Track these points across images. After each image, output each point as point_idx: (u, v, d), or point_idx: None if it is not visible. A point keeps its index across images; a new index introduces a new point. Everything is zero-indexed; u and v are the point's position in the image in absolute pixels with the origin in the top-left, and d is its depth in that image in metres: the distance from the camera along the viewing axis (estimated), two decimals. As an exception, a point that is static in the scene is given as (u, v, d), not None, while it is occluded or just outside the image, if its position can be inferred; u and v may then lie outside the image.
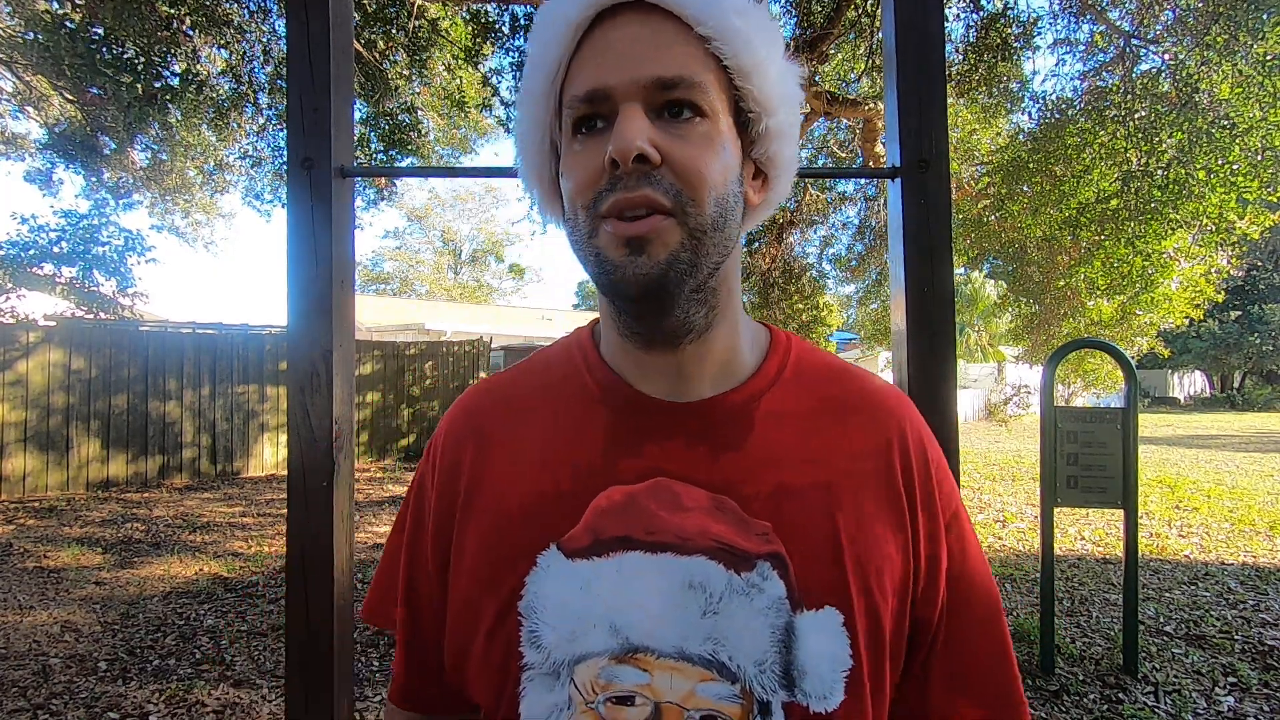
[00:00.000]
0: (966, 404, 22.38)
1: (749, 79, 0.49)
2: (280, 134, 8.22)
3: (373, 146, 7.82)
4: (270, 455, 9.01)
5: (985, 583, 0.57)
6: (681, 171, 0.46)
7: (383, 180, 8.83)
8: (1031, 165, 7.06)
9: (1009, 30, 6.54)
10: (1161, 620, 3.73)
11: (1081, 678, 3.03)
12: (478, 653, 0.52)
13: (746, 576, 0.48)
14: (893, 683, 0.52)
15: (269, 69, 7.30)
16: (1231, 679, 3.02)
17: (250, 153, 9.13)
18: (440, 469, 0.58)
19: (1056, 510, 3.27)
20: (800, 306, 11.69)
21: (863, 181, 10.49)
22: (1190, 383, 35.52)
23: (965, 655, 0.54)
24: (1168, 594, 4.17)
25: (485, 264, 41.80)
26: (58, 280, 9.97)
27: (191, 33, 6.42)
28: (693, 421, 0.53)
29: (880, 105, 7.45)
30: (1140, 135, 6.21)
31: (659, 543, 0.49)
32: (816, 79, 7.09)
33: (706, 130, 0.47)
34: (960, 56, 6.89)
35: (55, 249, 9.85)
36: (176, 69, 6.33)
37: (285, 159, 1.21)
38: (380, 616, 0.64)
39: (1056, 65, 12.31)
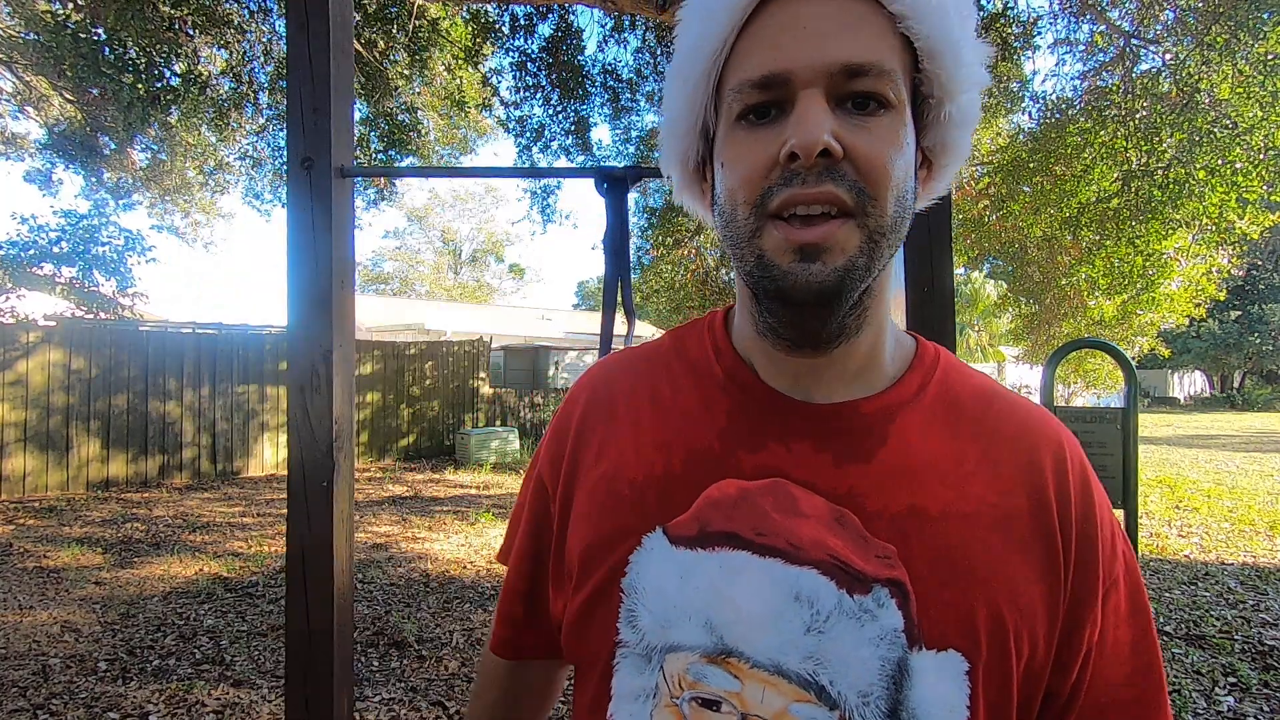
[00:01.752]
0: (966, 404, 22.33)
1: (938, 61, 0.44)
2: (280, 134, 8.22)
3: (373, 146, 7.82)
4: (270, 455, 9.01)
5: (1145, 686, 0.49)
6: (866, 168, 0.42)
7: (383, 180, 8.83)
8: (1032, 165, 7.06)
9: (1009, 30, 6.53)
10: (1161, 620, 3.73)
11: (1081, 678, 3.04)
12: (582, 614, 0.52)
13: (860, 600, 0.44)
14: None
15: (269, 69, 7.31)
16: (1231, 679, 3.02)
17: (250, 153, 9.14)
18: (574, 421, 0.57)
19: (1056, 510, 3.27)
20: (800, 306, 11.68)
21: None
22: (1190, 383, 35.52)
23: None
24: (1168, 594, 4.17)
25: (485, 264, 41.82)
26: (58, 280, 9.97)
27: (192, 33, 6.42)
28: (820, 424, 0.49)
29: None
30: (1140, 135, 6.21)
31: (768, 545, 0.46)
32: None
33: (891, 122, 0.43)
34: (960, 56, 6.89)
35: (55, 249, 9.85)
36: (178, 69, 6.33)
37: (285, 159, 1.21)
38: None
39: (1056, 65, 12.33)
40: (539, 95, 7.97)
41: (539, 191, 9.19)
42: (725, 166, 0.46)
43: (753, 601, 0.45)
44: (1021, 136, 8.11)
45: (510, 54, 7.88)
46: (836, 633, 0.44)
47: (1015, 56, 6.78)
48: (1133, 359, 7.55)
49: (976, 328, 22.73)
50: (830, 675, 0.44)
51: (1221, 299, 9.00)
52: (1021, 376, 21.06)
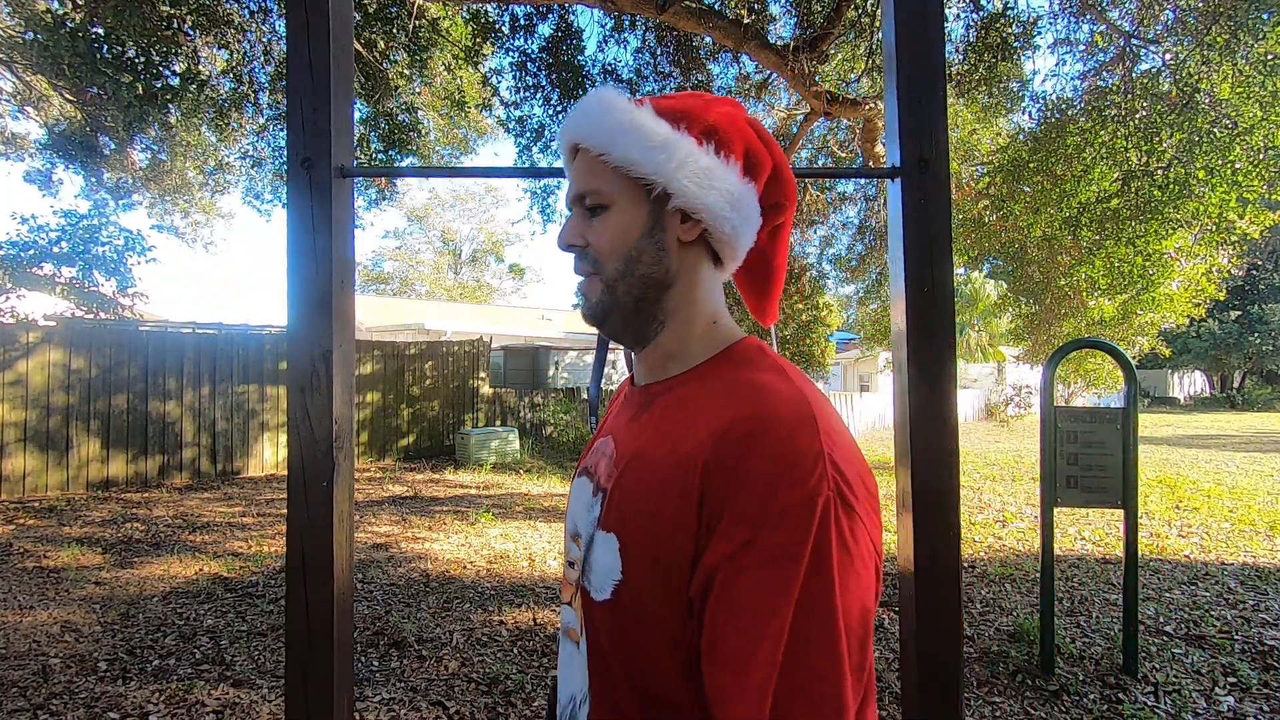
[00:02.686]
0: (966, 404, 22.37)
1: (637, 171, 0.71)
2: (280, 134, 8.22)
3: (373, 146, 7.82)
4: (270, 455, 9.01)
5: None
6: (595, 250, 0.73)
7: (383, 180, 8.84)
8: (1032, 165, 7.06)
9: (1009, 30, 6.53)
10: (1161, 620, 3.73)
11: (1081, 678, 3.03)
12: None
13: (593, 500, 0.73)
14: (675, 620, 0.61)
15: (269, 69, 7.31)
16: (1231, 679, 3.02)
17: (250, 153, 9.14)
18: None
19: (1056, 510, 3.28)
20: (800, 306, 11.67)
21: (863, 181, 10.50)
22: (1190, 383, 35.52)
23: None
24: (1168, 594, 4.17)
25: (485, 264, 41.81)
26: (58, 280, 9.95)
27: (192, 32, 6.41)
28: (634, 401, 0.78)
29: (880, 105, 7.44)
30: (1141, 135, 6.21)
31: (591, 474, 0.76)
32: (817, 79, 7.08)
33: (608, 218, 0.73)
34: (960, 56, 6.89)
35: (55, 249, 9.84)
36: (177, 69, 6.33)
37: (285, 159, 1.22)
38: None
39: (1056, 65, 12.32)
40: (539, 95, 7.97)
41: (539, 191, 9.20)
42: None
43: (580, 505, 0.75)
44: (1021, 136, 8.10)
45: (510, 54, 7.88)
46: (587, 520, 0.72)
47: (1015, 56, 6.78)
48: (1133, 359, 7.56)
49: (976, 328, 22.72)
50: (582, 539, 0.73)
51: (1221, 299, 9.00)
52: (1021, 376, 21.07)
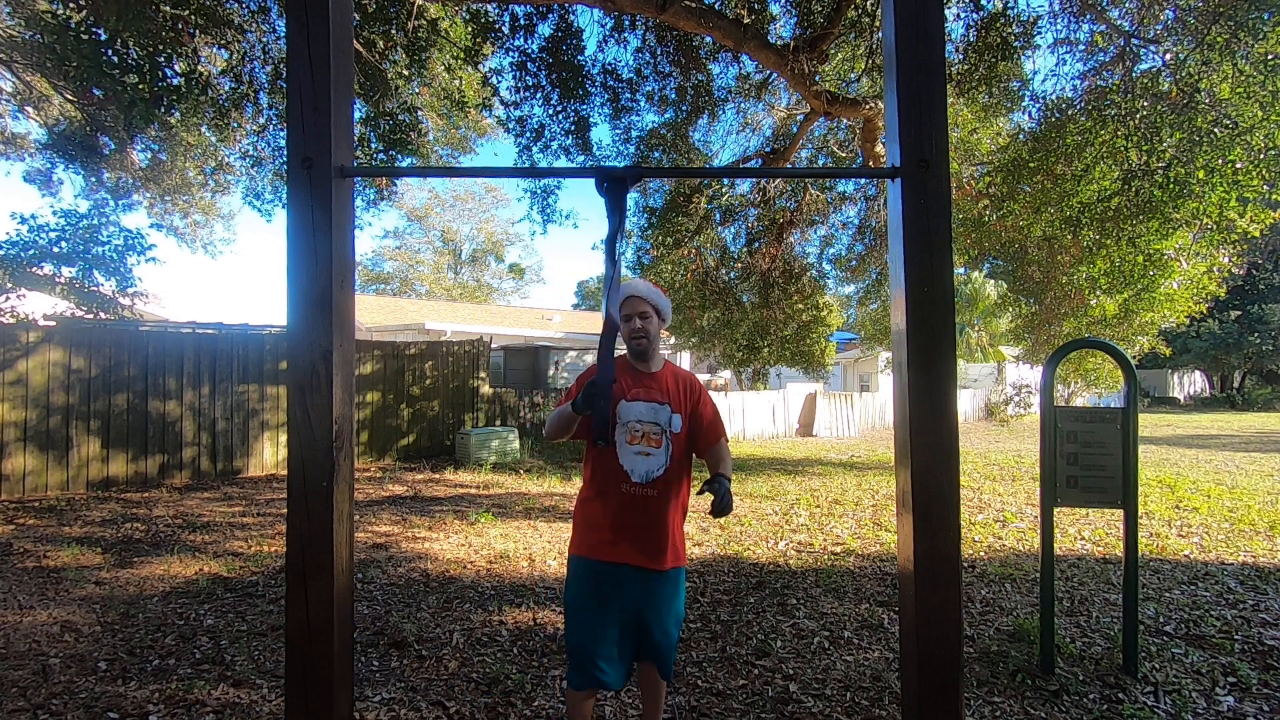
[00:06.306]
0: (966, 404, 22.37)
1: (663, 315, 2.36)
2: (280, 134, 8.21)
3: (373, 146, 7.82)
4: (270, 455, 9.01)
5: (717, 422, 2.38)
6: (645, 332, 2.33)
7: (383, 180, 8.83)
8: (1032, 165, 7.06)
9: (1009, 30, 6.53)
10: (1161, 620, 3.73)
11: (1081, 678, 3.03)
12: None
13: (659, 404, 2.25)
14: (690, 440, 2.30)
15: (269, 69, 7.31)
16: (1231, 679, 3.02)
17: (250, 153, 9.14)
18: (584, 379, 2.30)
19: (1056, 510, 3.27)
20: (800, 306, 11.67)
21: (863, 181, 10.49)
22: (1190, 383, 35.52)
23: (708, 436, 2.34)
24: (1168, 594, 4.17)
25: (485, 264, 41.81)
26: (58, 280, 9.95)
27: (193, 33, 6.41)
28: (638, 377, 2.29)
29: (880, 105, 7.44)
30: (1140, 135, 6.21)
31: (644, 398, 2.27)
32: (817, 79, 7.08)
33: (652, 321, 2.33)
34: (960, 56, 6.89)
35: (55, 249, 9.83)
36: (179, 69, 6.32)
37: (285, 159, 1.22)
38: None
39: (1056, 65, 12.30)
40: (539, 95, 7.97)
41: (539, 191, 9.20)
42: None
43: (645, 406, 2.26)
44: (1021, 136, 8.10)
45: (510, 54, 7.89)
46: (657, 409, 2.24)
47: (1015, 56, 6.78)
48: (1133, 359, 7.56)
49: (976, 328, 22.71)
50: (661, 415, 2.25)
51: (1222, 295, 8.99)
52: (1022, 376, 21.06)
